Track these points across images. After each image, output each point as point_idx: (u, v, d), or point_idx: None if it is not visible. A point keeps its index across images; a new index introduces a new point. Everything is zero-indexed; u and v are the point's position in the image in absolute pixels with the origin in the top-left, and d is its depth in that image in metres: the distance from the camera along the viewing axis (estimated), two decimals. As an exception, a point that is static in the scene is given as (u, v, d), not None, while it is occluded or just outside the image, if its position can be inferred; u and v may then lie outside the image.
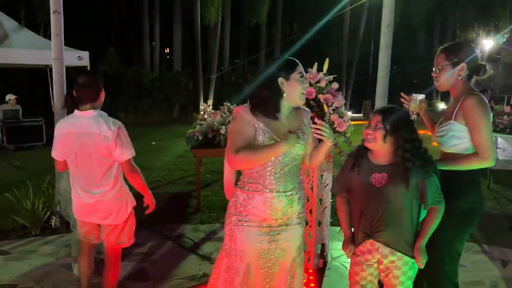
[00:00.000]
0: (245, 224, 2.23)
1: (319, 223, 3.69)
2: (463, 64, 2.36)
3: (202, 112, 5.42)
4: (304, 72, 2.27)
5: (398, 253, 2.26)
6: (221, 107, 5.65)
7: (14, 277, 3.64)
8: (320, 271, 3.71)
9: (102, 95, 2.82)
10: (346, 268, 3.85)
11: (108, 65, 18.39)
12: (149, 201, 2.86)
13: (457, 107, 2.34)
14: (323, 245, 3.70)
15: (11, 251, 4.18)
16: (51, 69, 5.76)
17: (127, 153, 2.67)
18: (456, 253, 2.42)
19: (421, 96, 2.67)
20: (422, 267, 2.28)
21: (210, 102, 18.31)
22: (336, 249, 4.29)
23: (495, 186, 6.86)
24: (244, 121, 2.18)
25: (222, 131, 5.22)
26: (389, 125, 2.17)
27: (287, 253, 2.32)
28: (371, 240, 2.27)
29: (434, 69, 2.46)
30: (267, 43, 24.36)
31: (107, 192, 2.72)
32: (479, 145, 2.27)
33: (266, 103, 2.18)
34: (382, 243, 2.26)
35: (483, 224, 5.12)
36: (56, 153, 2.82)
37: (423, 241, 2.28)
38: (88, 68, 10.62)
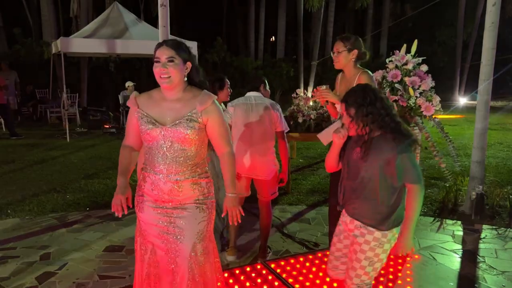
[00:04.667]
0: (143, 204, 2.31)
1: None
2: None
3: (294, 98, 5.50)
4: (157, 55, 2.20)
5: (369, 227, 2.25)
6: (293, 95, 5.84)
7: (122, 239, 4.19)
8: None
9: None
10: (433, 258, 3.73)
11: (216, 54, 19.32)
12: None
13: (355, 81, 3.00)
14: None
15: (122, 218, 4.77)
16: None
17: None
18: None
19: (324, 86, 3.10)
20: (400, 254, 2.28)
21: (310, 88, 18.31)
22: (426, 239, 4.17)
23: None
24: None
25: (313, 116, 5.30)
26: (351, 110, 2.22)
27: (186, 237, 2.26)
28: (343, 211, 2.37)
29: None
30: (374, 27, 23.42)
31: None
32: None
33: None
34: (352, 215, 2.30)
35: None
36: None
37: (407, 227, 2.21)
38: (197, 58, 11.30)
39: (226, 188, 2.36)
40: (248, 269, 3.42)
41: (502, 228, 4.46)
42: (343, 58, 3.15)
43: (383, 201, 2.21)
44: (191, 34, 12.65)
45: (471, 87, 21.01)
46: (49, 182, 6.15)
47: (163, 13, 5.15)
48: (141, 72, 17.39)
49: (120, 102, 11.68)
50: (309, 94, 6.14)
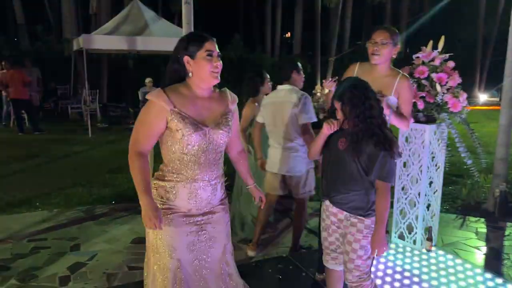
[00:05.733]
0: (170, 217, 2.08)
1: (428, 206, 3.62)
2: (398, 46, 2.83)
3: (315, 94, 5.50)
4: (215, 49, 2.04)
5: (358, 216, 2.29)
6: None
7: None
8: (427, 254, 3.65)
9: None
10: (456, 254, 3.73)
11: (233, 51, 19.37)
12: None
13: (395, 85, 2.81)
14: (430, 229, 3.63)
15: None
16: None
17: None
18: None
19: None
20: (373, 255, 2.30)
21: (328, 85, 18.20)
22: (449, 236, 4.16)
23: None
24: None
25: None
26: (345, 105, 2.22)
27: (217, 241, 2.19)
28: (328, 202, 2.39)
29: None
30: (392, 23, 23.19)
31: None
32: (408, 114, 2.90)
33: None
34: (340, 205, 2.32)
35: None
36: None
37: (378, 226, 2.24)
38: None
39: (249, 180, 2.42)
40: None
41: (527, 226, 4.43)
42: (387, 51, 2.78)
43: (367, 190, 2.26)
44: (208, 31, 12.71)
45: (491, 84, 20.70)
46: (73, 176, 6.30)
47: (187, 10, 5.20)
48: (159, 69, 17.57)
49: (140, 99, 11.83)
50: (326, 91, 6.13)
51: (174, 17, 20.01)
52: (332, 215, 2.42)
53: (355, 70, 2.99)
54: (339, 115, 2.26)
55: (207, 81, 2.05)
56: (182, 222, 2.09)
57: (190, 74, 2.03)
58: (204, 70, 2.01)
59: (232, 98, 2.20)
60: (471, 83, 21.15)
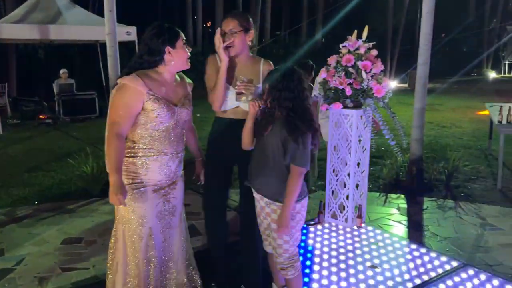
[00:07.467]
0: (142, 190, 2.31)
1: (357, 186, 3.86)
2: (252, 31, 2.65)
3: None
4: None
5: (277, 202, 2.34)
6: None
7: (79, 231, 4.09)
8: (357, 230, 3.89)
9: None
10: (382, 229, 4.03)
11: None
12: None
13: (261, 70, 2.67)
14: (360, 207, 3.87)
15: (76, 210, 4.65)
16: (101, 44, 6.14)
17: None
18: None
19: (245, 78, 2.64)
20: (276, 233, 2.36)
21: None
22: (374, 213, 4.48)
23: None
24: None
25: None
26: (266, 87, 2.30)
27: (177, 209, 2.51)
28: (252, 188, 2.47)
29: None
30: (309, 13, 23.97)
31: None
32: None
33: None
34: (259, 190, 2.42)
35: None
36: None
37: (284, 205, 2.29)
38: (136, 43, 10.96)
39: (198, 154, 2.82)
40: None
41: (441, 200, 4.89)
42: (240, 41, 2.57)
43: (284, 176, 2.32)
44: (128, 20, 12.19)
45: (400, 71, 22.28)
46: (-12, 177, 5.80)
47: (109, -3, 4.99)
48: (74, 59, 16.57)
49: (55, 91, 11.11)
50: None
51: (88, 3, 18.90)
52: (257, 201, 2.48)
53: (210, 64, 2.70)
54: (265, 96, 2.33)
55: (184, 67, 2.39)
56: (151, 194, 2.34)
57: (172, 62, 2.30)
58: (183, 57, 2.35)
59: (189, 82, 2.57)
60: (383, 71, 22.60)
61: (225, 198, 2.93)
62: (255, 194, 2.48)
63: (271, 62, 2.78)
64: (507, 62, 27.49)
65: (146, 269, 2.37)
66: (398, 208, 4.66)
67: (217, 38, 2.53)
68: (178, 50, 2.31)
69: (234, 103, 2.63)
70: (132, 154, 2.30)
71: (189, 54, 2.38)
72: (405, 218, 4.41)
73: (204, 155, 2.87)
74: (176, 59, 2.31)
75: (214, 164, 2.79)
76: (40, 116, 10.51)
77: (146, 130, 2.28)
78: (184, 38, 2.36)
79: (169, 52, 2.28)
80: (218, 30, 2.56)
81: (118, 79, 2.28)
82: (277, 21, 26.41)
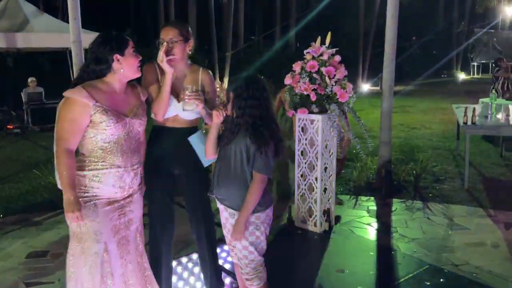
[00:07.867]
0: (95, 203, 2.20)
1: (325, 190, 3.90)
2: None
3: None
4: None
5: (236, 215, 2.31)
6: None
7: (45, 244, 3.99)
8: (326, 234, 3.93)
9: None
10: (352, 232, 4.07)
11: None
12: None
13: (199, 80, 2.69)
14: (328, 211, 3.91)
15: (42, 222, 4.53)
16: (70, 52, 6.05)
17: None
18: None
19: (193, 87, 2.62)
20: (231, 240, 2.36)
21: (226, 79, 18.45)
22: (345, 215, 4.52)
23: (507, 153, 6.92)
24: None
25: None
26: (230, 95, 2.31)
27: (133, 223, 2.39)
28: (213, 196, 2.44)
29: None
30: (282, 18, 24.16)
31: None
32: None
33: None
34: (222, 201, 2.39)
35: (493, 190, 5.28)
36: None
37: (241, 213, 2.28)
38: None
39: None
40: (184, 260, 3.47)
41: (409, 201, 4.97)
42: (180, 50, 2.58)
43: (247, 185, 2.29)
44: (97, 25, 12.04)
45: (372, 74, 22.65)
46: (-50, 191, 5.60)
47: (73, 5, 4.91)
48: (43, 67, 16.24)
49: (24, 100, 10.86)
50: (226, 85, 6.21)
51: (57, 10, 18.58)
52: (221, 212, 2.45)
53: (149, 72, 2.67)
54: (229, 105, 2.32)
55: (134, 75, 2.30)
56: (105, 207, 2.23)
57: (121, 70, 2.22)
58: (133, 65, 2.27)
59: (142, 91, 2.45)
60: (355, 75, 22.92)
61: (170, 207, 2.84)
62: (219, 205, 2.45)
63: (209, 71, 2.80)
64: (475, 64, 28.28)
65: (104, 285, 2.28)
66: (368, 211, 4.72)
67: (162, 52, 2.50)
68: (127, 57, 2.23)
69: (174, 111, 2.62)
70: (84, 168, 2.21)
71: (139, 62, 2.30)
72: (375, 220, 4.47)
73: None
74: (126, 67, 2.23)
75: (155, 173, 2.69)
76: (8, 126, 10.26)
77: (96, 143, 2.19)
78: (134, 46, 2.28)
79: (118, 60, 2.21)
80: (164, 45, 2.54)
81: (64, 92, 2.19)
82: (251, 26, 26.51)
